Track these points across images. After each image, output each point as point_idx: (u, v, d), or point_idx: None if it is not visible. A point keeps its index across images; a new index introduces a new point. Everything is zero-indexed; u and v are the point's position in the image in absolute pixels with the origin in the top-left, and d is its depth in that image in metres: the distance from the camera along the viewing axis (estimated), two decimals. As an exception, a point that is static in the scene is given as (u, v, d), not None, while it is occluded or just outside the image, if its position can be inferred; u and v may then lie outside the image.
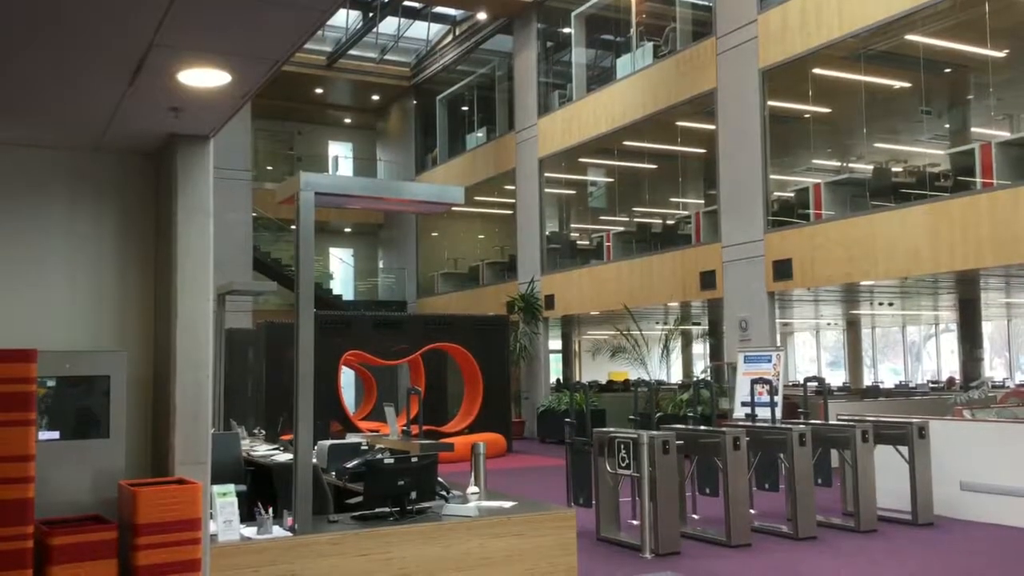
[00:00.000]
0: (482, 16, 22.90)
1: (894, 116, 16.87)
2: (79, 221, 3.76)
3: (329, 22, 22.09)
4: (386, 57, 26.21)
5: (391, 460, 5.27)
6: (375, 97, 28.46)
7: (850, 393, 19.17)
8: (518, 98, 22.38)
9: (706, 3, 17.28)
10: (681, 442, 8.20)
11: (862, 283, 14.91)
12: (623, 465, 8.00)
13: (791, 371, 27.84)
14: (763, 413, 9.77)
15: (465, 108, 26.15)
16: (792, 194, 16.55)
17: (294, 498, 4.66)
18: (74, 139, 3.70)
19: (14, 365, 3.21)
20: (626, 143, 19.56)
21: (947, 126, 17.26)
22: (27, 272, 3.66)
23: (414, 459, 5.25)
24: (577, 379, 23.69)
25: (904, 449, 9.15)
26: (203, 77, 3.07)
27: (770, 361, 13.23)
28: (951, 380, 21.53)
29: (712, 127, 16.38)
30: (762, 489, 9.06)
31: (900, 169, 16.04)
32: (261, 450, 8.52)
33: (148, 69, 2.96)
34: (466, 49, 24.56)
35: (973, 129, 16.31)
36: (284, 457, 7.51)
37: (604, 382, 24.58)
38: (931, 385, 22.89)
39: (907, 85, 15.68)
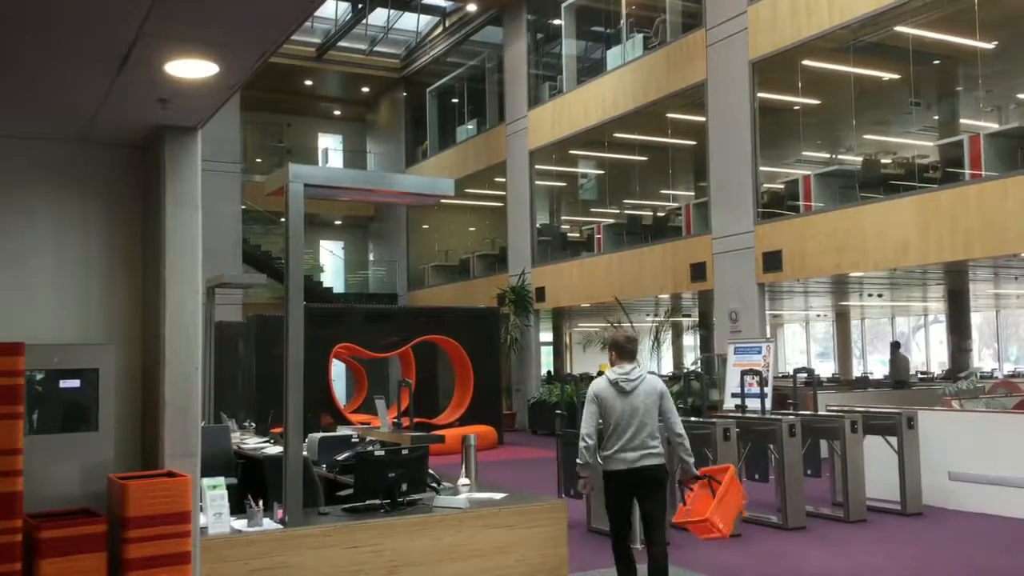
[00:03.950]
0: (472, 7, 22.84)
1: (884, 108, 16.90)
2: (66, 213, 3.74)
3: (318, 13, 21.99)
4: (376, 49, 26.12)
5: (382, 452, 5.27)
6: (365, 89, 28.37)
7: (839, 384, 19.23)
8: (508, 90, 22.34)
9: (696, -6, 17.27)
10: (671, 433, 8.22)
11: (851, 274, 14.96)
12: (614, 456, 8.00)
13: (781, 362, 27.93)
14: (753, 404, 9.80)
15: (455, 100, 26.09)
16: (782, 186, 16.58)
17: (284, 491, 4.66)
18: (60, 130, 3.67)
19: (1, 359, 3.19)
20: (616, 135, 19.56)
21: (936, 118, 17.30)
22: (13, 265, 3.63)
23: (405, 451, 5.25)
24: (568, 371, 23.72)
25: (893, 440, 9.19)
26: (191, 68, 3.05)
27: (760, 352, 13.26)
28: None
29: (702, 119, 16.38)
30: (752, 480, 9.08)
31: (889, 161, 16.08)
32: (251, 443, 8.51)
33: (135, 59, 2.94)
34: (456, 41, 24.49)
35: (962, 120, 16.35)
36: (274, 450, 7.50)
37: (595, 374, 24.59)
38: (920, 376, 22.98)
39: (897, 77, 15.71)
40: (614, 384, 5.54)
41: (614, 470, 5.48)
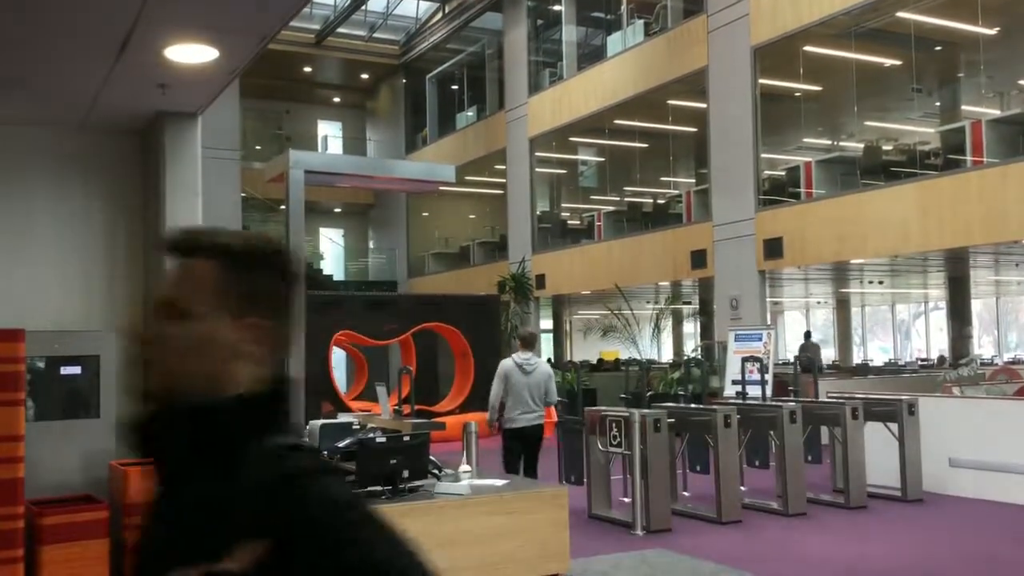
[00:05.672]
0: (471, -7, 22.73)
1: (885, 94, 16.84)
2: (66, 200, 3.73)
3: None
4: (375, 35, 26.00)
5: (383, 439, 5.27)
6: (364, 76, 28.26)
7: (840, 371, 19.24)
8: (508, 77, 22.26)
9: (697, -20, 17.18)
10: (672, 420, 8.22)
11: (852, 261, 14.94)
12: (614, 443, 8.02)
13: (781, 349, 27.94)
14: (754, 391, 9.80)
15: (455, 87, 26.00)
16: (783, 173, 16.54)
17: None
18: (61, 117, 3.65)
19: (2, 345, 3.18)
20: (617, 122, 19.50)
21: (938, 104, 17.24)
22: (14, 252, 3.62)
23: (406, 438, 5.26)
24: (568, 358, 23.72)
25: (893, 426, 9.20)
26: (190, 53, 3.03)
27: (760, 339, 13.25)
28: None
29: (703, 105, 16.33)
30: (752, 466, 9.09)
31: (891, 147, 16.03)
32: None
33: (135, 44, 2.92)
34: (456, 27, 24.38)
35: (963, 107, 16.30)
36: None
37: (595, 361, 24.62)
38: (920, 362, 22.99)
39: (898, 63, 15.65)
40: (519, 367, 7.92)
41: (517, 427, 7.89)
